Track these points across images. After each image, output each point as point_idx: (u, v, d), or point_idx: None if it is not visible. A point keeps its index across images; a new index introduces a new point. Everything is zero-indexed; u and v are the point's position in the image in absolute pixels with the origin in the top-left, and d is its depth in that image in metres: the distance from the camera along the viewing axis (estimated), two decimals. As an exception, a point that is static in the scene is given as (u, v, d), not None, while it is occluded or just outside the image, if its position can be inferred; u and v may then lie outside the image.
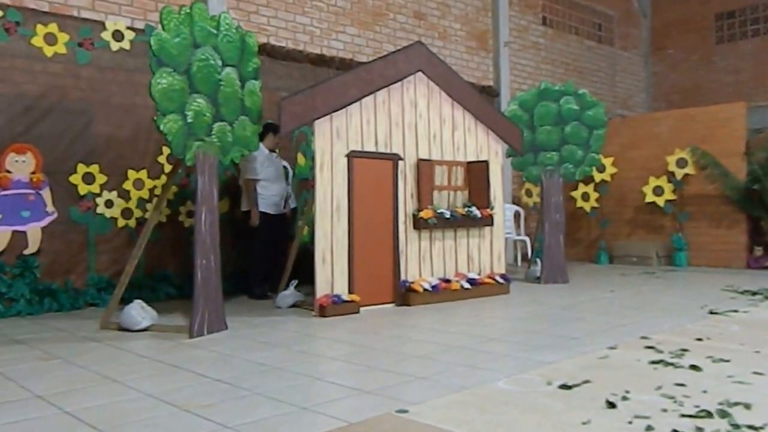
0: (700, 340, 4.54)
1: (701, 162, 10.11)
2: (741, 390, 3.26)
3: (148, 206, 6.99)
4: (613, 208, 11.13)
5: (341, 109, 6.08)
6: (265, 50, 7.81)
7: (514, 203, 11.36)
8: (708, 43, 15.35)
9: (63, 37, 6.52)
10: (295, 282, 6.46)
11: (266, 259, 7.10)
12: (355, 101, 6.18)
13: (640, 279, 8.63)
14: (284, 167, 7.55)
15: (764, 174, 9.64)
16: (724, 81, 14.98)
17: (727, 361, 3.90)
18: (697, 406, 2.98)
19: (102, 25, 6.81)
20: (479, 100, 7.45)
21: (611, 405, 3.02)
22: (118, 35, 6.87)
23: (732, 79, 14.87)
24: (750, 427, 2.71)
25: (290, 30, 8.72)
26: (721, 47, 15.20)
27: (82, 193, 6.63)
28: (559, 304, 6.50)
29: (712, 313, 5.74)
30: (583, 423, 2.79)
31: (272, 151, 7.25)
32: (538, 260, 8.56)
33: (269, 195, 7.11)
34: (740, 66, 14.82)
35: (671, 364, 3.84)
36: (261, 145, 7.05)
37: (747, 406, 2.98)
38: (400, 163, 6.56)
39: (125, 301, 5.45)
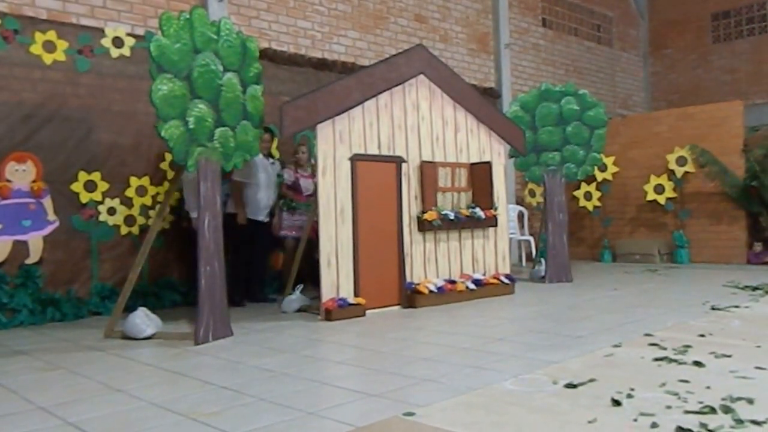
0: (702, 336, 4.54)
1: (700, 160, 10.15)
2: (743, 385, 3.27)
3: (151, 213, 6.99)
4: (615, 207, 11.15)
5: (344, 112, 6.08)
6: (267, 55, 7.82)
7: (517, 203, 11.38)
8: (705, 43, 15.38)
9: (62, 45, 6.52)
10: (300, 286, 6.46)
11: (245, 265, 6.97)
12: (358, 105, 6.19)
13: (643, 276, 8.63)
14: (278, 175, 7.41)
15: (762, 171, 9.69)
16: (721, 80, 15.01)
17: (730, 356, 3.90)
18: (701, 402, 2.98)
19: (101, 32, 6.81)
20: (481, 101, 7.45)
21: (616, 403, 3.02)
22: (117, 42, 6.88)
23: (729, 78, 14.90)
24: (753, 421, 2.72)
25: (291, 34, 8.73)
26: (717, 46, 15.22)
27: (83, 201, 6.62)
28: (563, 303, 6.49)
29: (714, 309, 5.75)
30: (589, 422, 2.78)
31: (266, 155, 7.16)
32: (543, 260, 8.58)
33: (256, 201, 7.01)
34: (737, 65, 14.86)
35: (675, 360, 3.84)
36: None
37: (750, 401, 2.98)
38: (404, 165, 6.56)
39: (129, 309, 5.42)
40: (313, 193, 7.24)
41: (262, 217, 7.12)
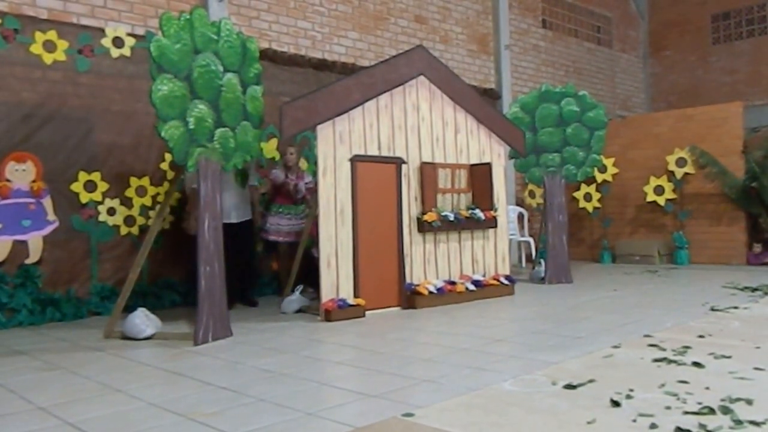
0: (702, 337, 4.55)
1: (700, 161, 10.16)
2: (742, 386, 3.28)
3: (151, 213, 6.99)
4: (615, 208, 11.16)
5: (344, 113, 6.08)
6: (267, 55, 7.81)
7: (517, 205, 11.38)
8: (705, 44, 15.40)
9: (62, 45, 6.51)
10: (300, 287, 6.46)
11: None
12: (358, 105, 6.19)
13: (642, 277, 8.63)
14: (243, 171, 6.85)
15: (762, 172, 9.70)
16: (721, 81, 15.04)
17: (729, 357, 3.91)
18: (700, 403, 2.99)
19: (102, 32, 6.80)
20: (481, 102, 7.45)
21: (616, 404, 3.02)
22: (118, 42, 6.88)
23: (728, 79, 14.93)
24: (752, 422, 2.72)
25: (292, 35, 8.73)
26: (717, 48, 15.25)
27: (83, 201, 6.61)
28: (563, 304, 6.49)
29: (713, 309, 5.76)
30: (588, 422, 2.79)
31: None
32: (542, 261, 8.58)
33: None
34: (736, 66, 14.88)
35: (674, 361, 3.85)
36: None
37: (749, 402, 2.99)
38: (404, 166, 6.56)
39: (129, 309, 5.43)
40: (303, 197, 7.25)
41: (231, 219, 6.62)
